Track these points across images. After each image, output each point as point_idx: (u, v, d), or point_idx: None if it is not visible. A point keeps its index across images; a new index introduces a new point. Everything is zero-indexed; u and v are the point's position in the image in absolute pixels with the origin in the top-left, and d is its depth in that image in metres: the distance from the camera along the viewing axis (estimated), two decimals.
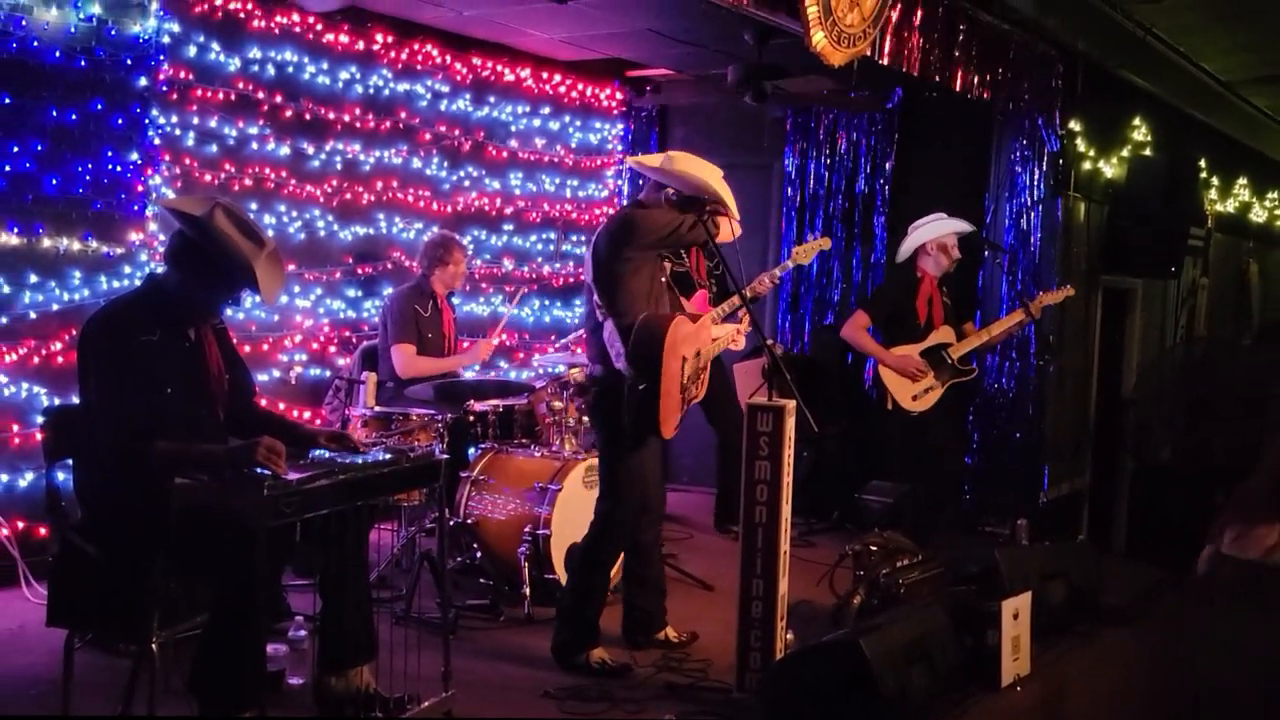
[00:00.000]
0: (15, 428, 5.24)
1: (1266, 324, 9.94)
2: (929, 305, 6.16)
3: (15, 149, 5.17)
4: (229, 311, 5.47)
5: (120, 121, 5.51)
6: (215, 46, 6.01)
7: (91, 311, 3.71)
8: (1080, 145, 7.51)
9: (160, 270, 3.76)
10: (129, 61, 5.54)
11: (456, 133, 7.39)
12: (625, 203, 8.55)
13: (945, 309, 6.24)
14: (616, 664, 4.53)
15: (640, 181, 4.78)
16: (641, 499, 4.60)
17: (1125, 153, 8.03)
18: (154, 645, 3.40)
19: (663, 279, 4.67)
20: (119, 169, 5.53)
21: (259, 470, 3.35)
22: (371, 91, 6.83)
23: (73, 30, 5.32)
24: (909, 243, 6.22)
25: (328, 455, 3.72)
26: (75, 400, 3.74)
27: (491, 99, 7.60)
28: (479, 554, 5.38)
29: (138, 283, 4.70)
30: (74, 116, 5.35)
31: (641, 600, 4.79)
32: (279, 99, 6.33)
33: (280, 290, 3.85)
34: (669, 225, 4.46)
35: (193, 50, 5.91)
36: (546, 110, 7.99)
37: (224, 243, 3.55)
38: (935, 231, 6.14)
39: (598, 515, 4.64)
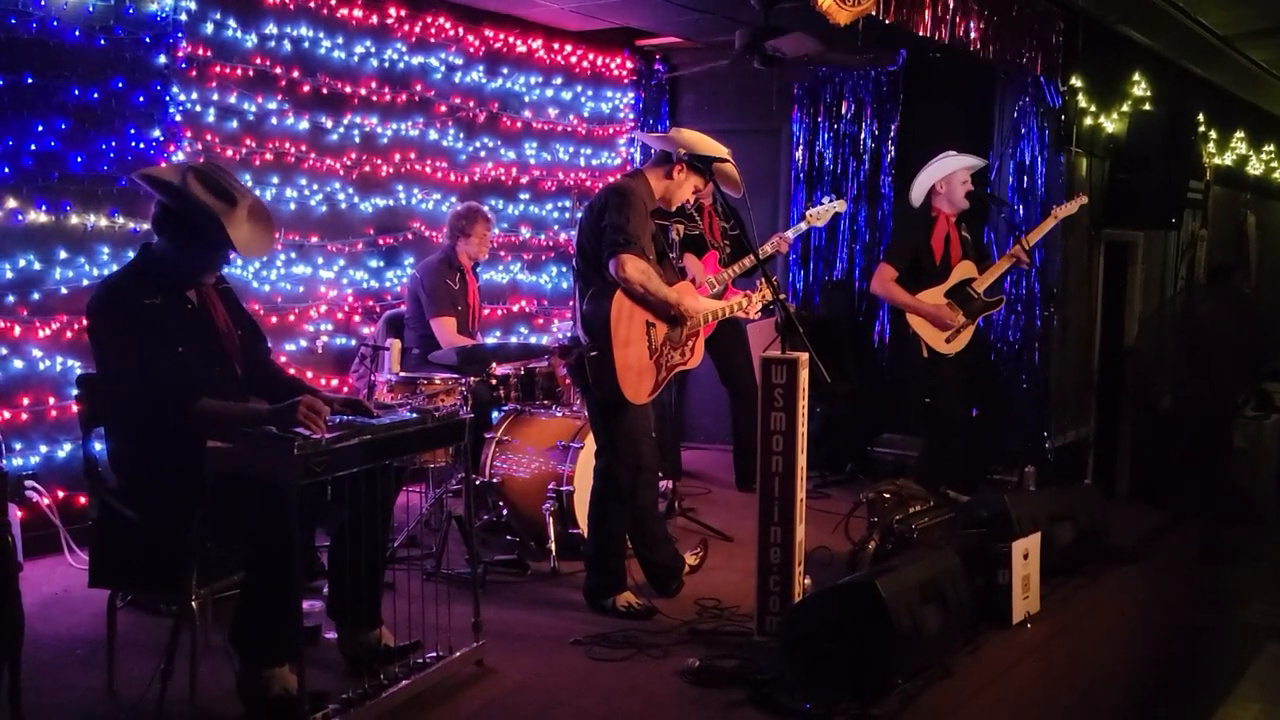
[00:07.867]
0: (51, 400, 5.32)
1: (1214, 266, 9.90)
2: (946, 244, 6.10)
3: (40, 128, 5.21)
4: (242, 275, 5.52)
5: (141, 99, 5.56)
6: (232, 23, 6.04)
7: None
8: (1081, 101, 7.49)
9: (153, 241, 3.81)
10: (148, 39, 5.58)
11: (471, 104, 7.42)
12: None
13: (965, 244, 6.17)
14: (643, 606, 4.64)
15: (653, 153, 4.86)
16: (634, 457, 4.66)
17: (1125, 108, 8.00)
18: (194, 603, 3.47)
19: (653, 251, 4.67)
20: (142, 145, 5.57)
21: (298, 430, 3.38)
22: (387, 65, 6.86)
23: (91, 9, 5.35)
24: (920, 184, 6.17)
25: (341, 419, 3.72)
26: None
27: (505, 70, 7.62)
28: (505, 511, 5.47)
29: None
30: (96, 95, 5.39)
31: (653, 555, 4.86)
32: (296, 74, 6.36)
33: (265, 246, 3.83)
34: (650, 197, 4.62)
35: (210, 27, 5.94)
36: (559, 81, 8.02)
37: (196, 203, 3.61)
38: (945, 169, 6.09)
39: (596, 472, 4.74)
